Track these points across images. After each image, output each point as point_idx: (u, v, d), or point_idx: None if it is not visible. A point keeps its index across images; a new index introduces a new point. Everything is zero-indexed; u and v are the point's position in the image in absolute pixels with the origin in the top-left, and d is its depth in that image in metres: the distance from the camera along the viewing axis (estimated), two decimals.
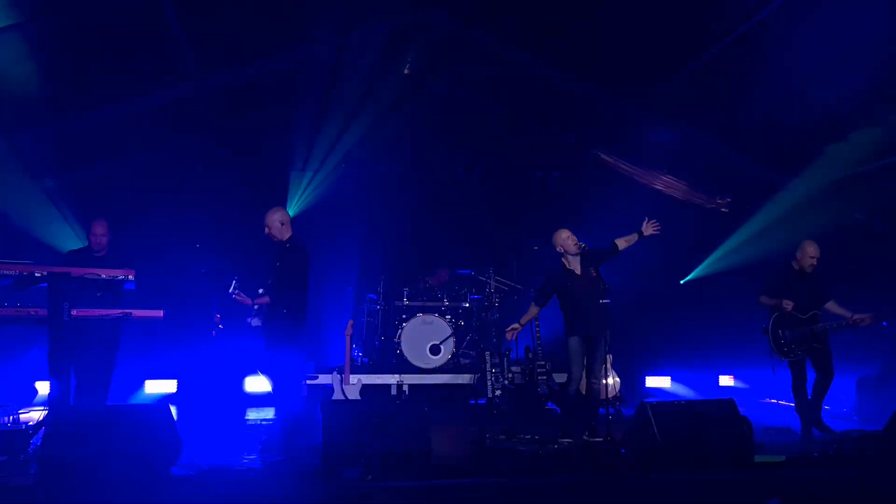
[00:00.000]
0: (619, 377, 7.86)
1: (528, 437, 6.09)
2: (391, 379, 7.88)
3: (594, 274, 6.34)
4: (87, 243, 6.41)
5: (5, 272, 4.93)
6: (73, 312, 5.14)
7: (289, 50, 8.27)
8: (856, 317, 6.50)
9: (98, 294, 5.75)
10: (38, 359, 7.35)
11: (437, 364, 8.18)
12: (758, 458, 5.15)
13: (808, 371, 6.67)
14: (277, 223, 6.06)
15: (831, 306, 6.66)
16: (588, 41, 7.99)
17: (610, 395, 6.64)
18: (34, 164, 8.03)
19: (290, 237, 6.10)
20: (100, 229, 6.29)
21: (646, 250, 9.31)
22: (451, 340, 8.24)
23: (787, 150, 8.94)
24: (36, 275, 5.01)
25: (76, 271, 5.17)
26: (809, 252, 6.69)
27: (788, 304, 6.57)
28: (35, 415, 6.28)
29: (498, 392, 7.45)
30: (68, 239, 7.86)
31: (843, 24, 6.89)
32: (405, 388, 7.86)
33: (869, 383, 7.77)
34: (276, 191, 9.47)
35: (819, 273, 6.75)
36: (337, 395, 7.24)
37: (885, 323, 7.10)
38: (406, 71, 8.99)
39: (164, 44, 7.65)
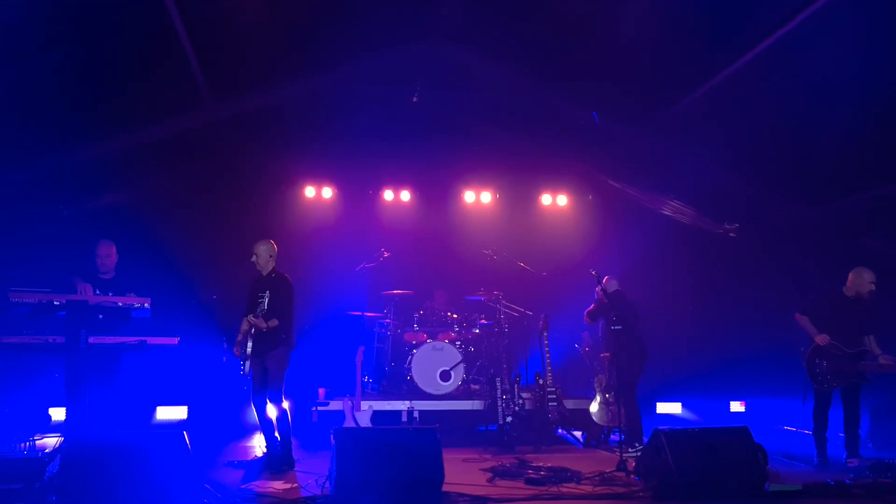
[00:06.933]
0: None
1: (540, 464, 6.09)
2: (402, 405, 7.87)
3: (605, 301, 6.39)
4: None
5: (25, 300, 4.99)
6: (90, 340, 5.19)
7: (299, 79, 8.40)
8: (882, 360, 6.36)
9: (100, 316, 5.73)
10: (50, 385, 7.39)
11: (448, 390, 8.18)
12: (773, 487, 5.12)
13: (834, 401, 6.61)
14: (266, 255, 6.31)
15: (871, 342, 6.50)
16: (596, 68, 8.09)
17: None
18: (49, 193, 8.14)
19: (273, 269, 6.34)
20: (105, 250, 6.28)
21: (655, 276, 9.40)
22: (462, 366, 8.25)
23: (794, 176, 8.99)
24: (55, 303, 5.08)
25: (94, 299, 5.23)
26: (868, 278, 6.47)
27: (824, 339, 6.43)
28: (50, 442, 6.30)
29: (508, 418, 7.43)
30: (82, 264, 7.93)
31: (852, 51, 6.96)
32: (416, 414, 7.86)
33: (883, 410, 7.71)
34: (288, 215, 9.59)
35: (870, 303, 6.52)
36: (348, 422, 7.25)
37: None
38: (415, 99, 9.13)
39: (178, 73, 7.81)
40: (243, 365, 6.17)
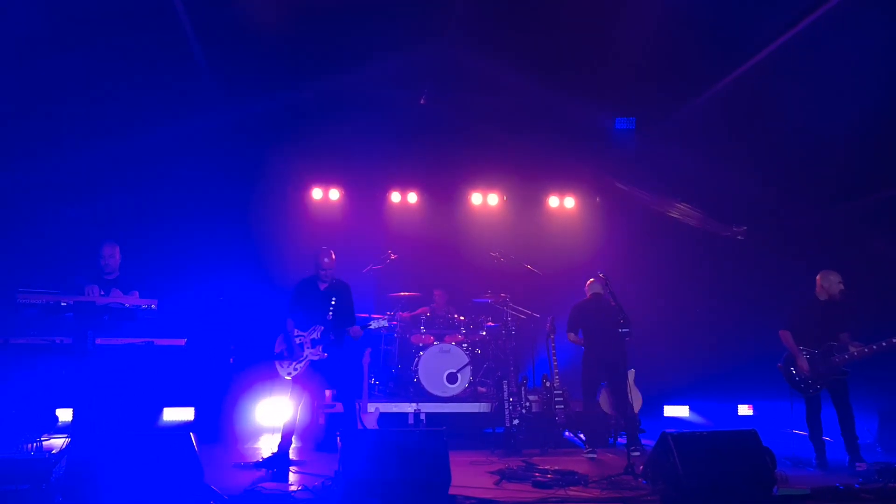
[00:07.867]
0: (639, 392, 7.80)
1: (547, 467, 6.06)
2: (408, 407, 7.87)
3: (613, 304, 6.35)
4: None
5: (33, 301, 5.00)
6: (98, 341, 5.20)
7: (307, 81, 8.43)
8: (852, 348, 6.38)
9: (107, 318, 5.74)
10: (57, 386, 7.38)
11: (455, 393, 8.17)
12: (781, 491, 5.08)
13: (825, 403, 6.66)
14: (335, 261, 6.59)
15: (844, 338, 6.53)
16: (605, 71, 8.08)
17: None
18: (57, 194, 8.17)
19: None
20: (108, 251, 6.25)
21: (662, 279, 9.36)
22: (468, 369, 8.24)
23: (801, 179, 8.95)
24: (62, 304, 5.09)
25: (101, 300, 5.24)
26: (835, 279, 6.59)
27: (804, 366, 6.54)
28: (57, 443, 6.30)
29: (515, 421, 7.41)
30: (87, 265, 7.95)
31: (857, 55, 6.94)
32: (422, 416, 7.85)
33: (892, 413, 7.64)
34: (296, 217, 9.60)
35: (841, 303, 6.61)
36: None
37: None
38: (422, 101, 9.13)
39: (185, 74, 7.83)
40: (295, 366, 6.26)
